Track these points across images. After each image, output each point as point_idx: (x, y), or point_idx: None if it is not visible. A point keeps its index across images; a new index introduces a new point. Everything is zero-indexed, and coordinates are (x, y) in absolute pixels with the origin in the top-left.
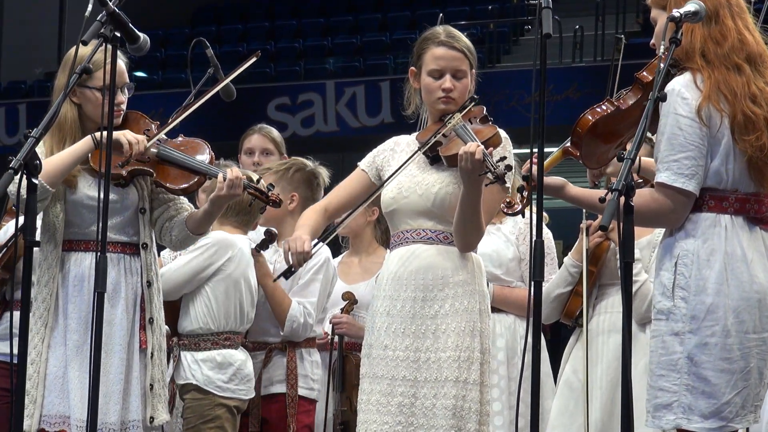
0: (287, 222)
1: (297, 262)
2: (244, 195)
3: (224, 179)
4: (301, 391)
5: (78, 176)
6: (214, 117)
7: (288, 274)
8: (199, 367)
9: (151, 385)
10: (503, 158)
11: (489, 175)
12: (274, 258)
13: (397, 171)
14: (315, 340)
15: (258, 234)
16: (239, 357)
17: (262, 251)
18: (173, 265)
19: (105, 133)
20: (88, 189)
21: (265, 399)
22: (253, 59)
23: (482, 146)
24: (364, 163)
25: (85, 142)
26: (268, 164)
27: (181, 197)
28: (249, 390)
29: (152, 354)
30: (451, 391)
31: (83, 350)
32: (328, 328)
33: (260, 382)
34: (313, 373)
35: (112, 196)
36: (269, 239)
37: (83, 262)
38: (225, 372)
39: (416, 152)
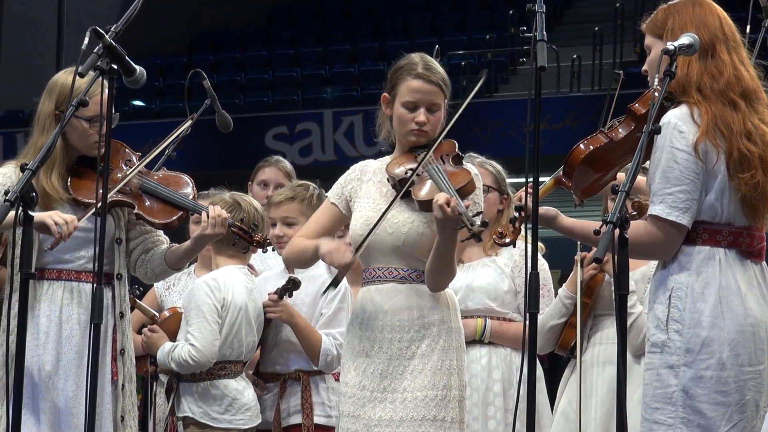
0: None
1: (342, 273)
2: (228, 233)
3: (208, 217)
4: (318, 420)
5: (57, 206)
6: (212, 146)
7: (336, 283)
8: (194, 399)
9: (122, 417)
10: (479, 213)
11: (466, 230)
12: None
13: (381, 218)
14: None
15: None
16: (235, 386)
17: (285, 297)
18: None
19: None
20: None
21: (285, 430)
22: (189, 122)
23: (457, 199)
24: (332, 196)
25: None
26: (279, 195)
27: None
28: (249, 419)
29: (123, 385)
30: (429, 430)
31: (54, 381)
32: None
33: (279, 413)
34: (329, 401)
35: (88, 225)
36: (293, 287)
37: (56, 292)
38: (220, 403)
39: (395, 198)
